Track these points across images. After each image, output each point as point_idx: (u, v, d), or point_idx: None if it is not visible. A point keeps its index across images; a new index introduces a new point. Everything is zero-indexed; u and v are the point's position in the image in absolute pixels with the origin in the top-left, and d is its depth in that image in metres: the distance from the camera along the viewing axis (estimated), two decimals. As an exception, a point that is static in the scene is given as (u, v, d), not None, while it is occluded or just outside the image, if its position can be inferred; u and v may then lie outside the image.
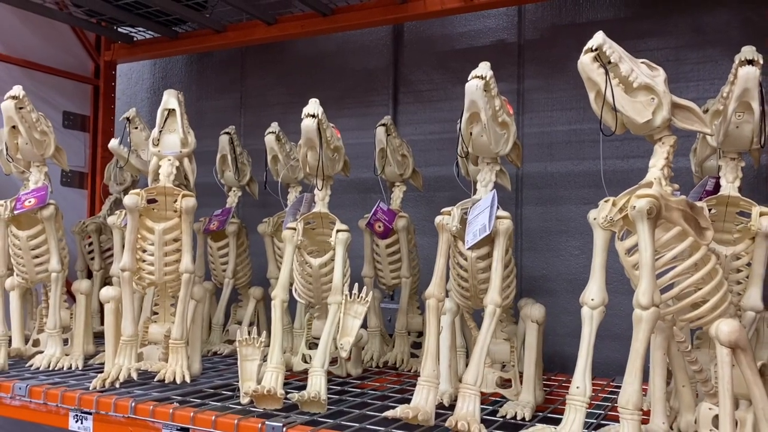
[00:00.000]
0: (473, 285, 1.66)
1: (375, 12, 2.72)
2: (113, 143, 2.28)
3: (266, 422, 1.48)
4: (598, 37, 1.34)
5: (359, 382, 2.05)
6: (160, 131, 2.01)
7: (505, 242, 1.59)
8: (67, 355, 2.17)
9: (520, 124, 2.70)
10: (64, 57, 3.25)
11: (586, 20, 2.64)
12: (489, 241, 1.61)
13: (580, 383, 1.38)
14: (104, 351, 2.29)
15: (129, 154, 2.31)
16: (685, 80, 2.45)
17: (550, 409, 1.74)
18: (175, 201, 1.96)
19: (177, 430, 1.58)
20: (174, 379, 1.85)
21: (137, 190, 1.91)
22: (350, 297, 1.75)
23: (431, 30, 2.94)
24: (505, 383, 1.85)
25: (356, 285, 1.78)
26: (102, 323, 2.56)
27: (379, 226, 2.35)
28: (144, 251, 1.92)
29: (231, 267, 2.63)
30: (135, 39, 3.31)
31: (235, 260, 2.65)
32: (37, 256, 2.13)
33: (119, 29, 3.29)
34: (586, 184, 2.60)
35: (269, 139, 2.40)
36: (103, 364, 2.19)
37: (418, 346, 2.44)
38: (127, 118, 2.33)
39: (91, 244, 2.94)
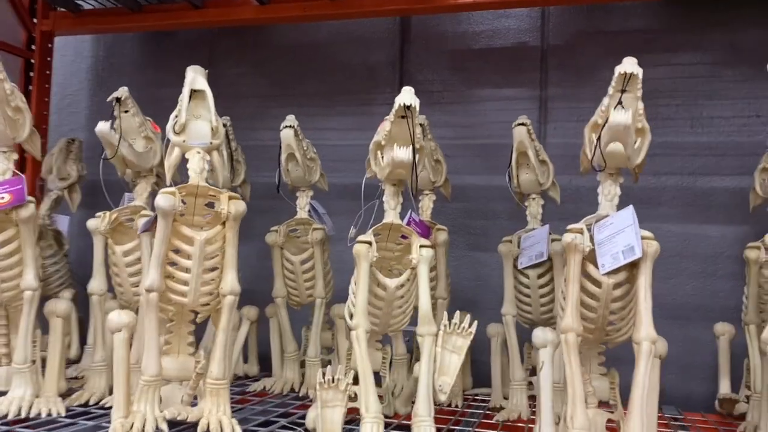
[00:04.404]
0: (602, 315, 1.42)
1: (390, 0, 2.44)
2: (103, 127, 1.79)
3: (396, 494, 1.16)
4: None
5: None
6: (185, 117, 1.62)
7: (652, 267, 1.38)
8: (37, 396, 1.68)
9: (542, 134, 2.53)
10: (-10, 22, 2.67)
11: (617, 29, 2.51)
12: (628, 265, 1.39)
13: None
14: (79, 389, 1.84)
15: (120, 142, 1.86)
16: (719, 98, 2.38)
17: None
18: (207, 204, 1.57)
19: (258, 504, 1.22)
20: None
21: (171, 189, 1.49)
22: (449, 327, 1.46)
23: (443, 26, 2.69)
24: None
25: (457, 313, 1.49)
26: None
27: (414, 240, 2.06)
28: (174, 265, 1.51)
29: (224, 283, 2.21)
30: (82, 8, 2.77)
31: (228, 275, 2.24)
32: (6, 269, 1.63)
33: (61, -6, 2.75)
34: (613, 200, 2.46)
35: (287, 135, 2.04)
36: (85, 405, 1.74)
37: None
38: (117, 98, 1.88)
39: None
